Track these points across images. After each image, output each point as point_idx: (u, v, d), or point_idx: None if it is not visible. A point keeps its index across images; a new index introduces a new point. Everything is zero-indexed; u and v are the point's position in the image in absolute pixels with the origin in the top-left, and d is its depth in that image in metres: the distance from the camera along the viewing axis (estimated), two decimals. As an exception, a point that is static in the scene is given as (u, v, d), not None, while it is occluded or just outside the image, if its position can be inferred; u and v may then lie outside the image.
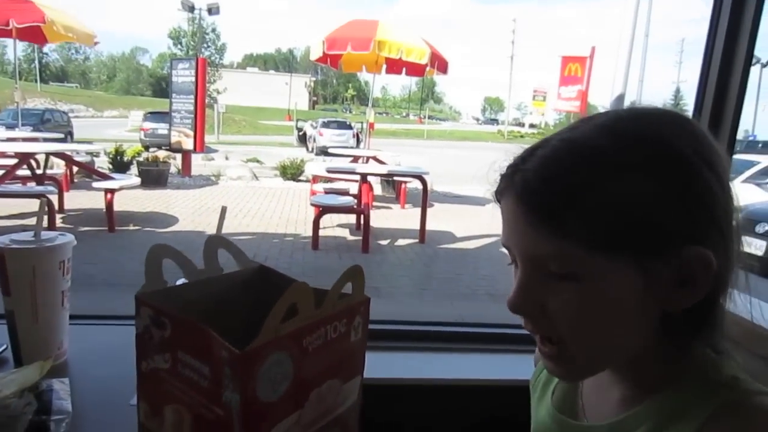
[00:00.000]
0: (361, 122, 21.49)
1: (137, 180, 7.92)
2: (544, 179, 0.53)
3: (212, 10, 22.43)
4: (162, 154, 10.65)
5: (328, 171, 7.63)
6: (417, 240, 6.69)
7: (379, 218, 7.79)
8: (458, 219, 8.27)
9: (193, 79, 10.80)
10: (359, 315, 0.57)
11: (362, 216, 6.41)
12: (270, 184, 11.35)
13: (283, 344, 0.48)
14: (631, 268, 0.52)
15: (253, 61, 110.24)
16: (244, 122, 38.28)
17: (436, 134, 48.23)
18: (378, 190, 10.06)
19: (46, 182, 6.93)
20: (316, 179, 8.79)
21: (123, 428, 0.66)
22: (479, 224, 7.63)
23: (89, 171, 8.16)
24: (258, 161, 14.31)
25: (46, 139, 9.54)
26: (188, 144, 11.05)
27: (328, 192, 7.64)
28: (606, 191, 0.51)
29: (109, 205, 6.30)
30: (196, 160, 12.13)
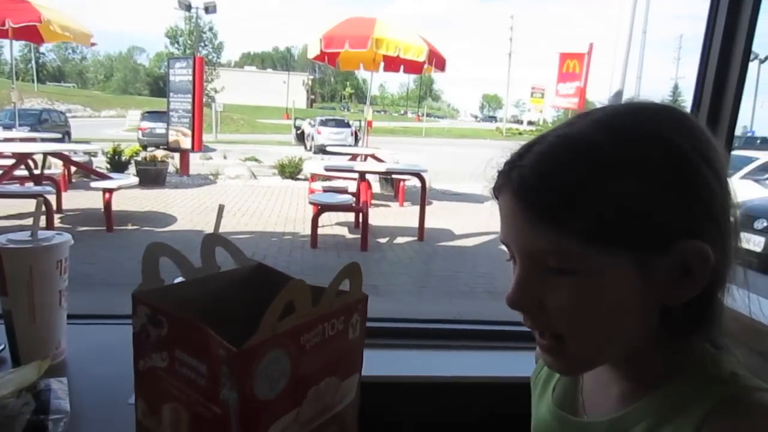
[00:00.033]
0: (359, 120, 21.48)
1: (135, 179, 7.91)
2: (540, 175, 0.53)
3: (209, 9, 22.36)
4: (160, 153, 10.64)
5: (327, 169, 7.62)
6: (416, 238, 6.70)
7: (378, 216, 7.79)
8: (457, 216, 8.27)
9: (191, 78, 10.79)
10: (357, 312, 0.57)
11: (361, 214, 6.41)
12: (268, 182, 11.34)
13: (280, 342, 0.48)
14: (628, 262, 0.52)
15: (250, 59, 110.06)
16: (242, 121, 38.24)
17: (434, 132, 48.22)
18: (376, 188, 10.06)
19: (44, 182, 6.91)
20: (314, 177, 8.79)
21: (121, 427, 0.66)
22: (478, 222, 7.63)
23: (87, 171, 8.15)
24: (256, 160, 14.30)
25: (43, 139, 9.52)
26: (186, 143, 11.04)
27: (326, 190, 7.63)
28: (603, 186, 0.51)
29: (107, 204, 6.30)
30: (194, 159, 12.12)
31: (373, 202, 8.51)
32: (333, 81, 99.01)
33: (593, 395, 0.67)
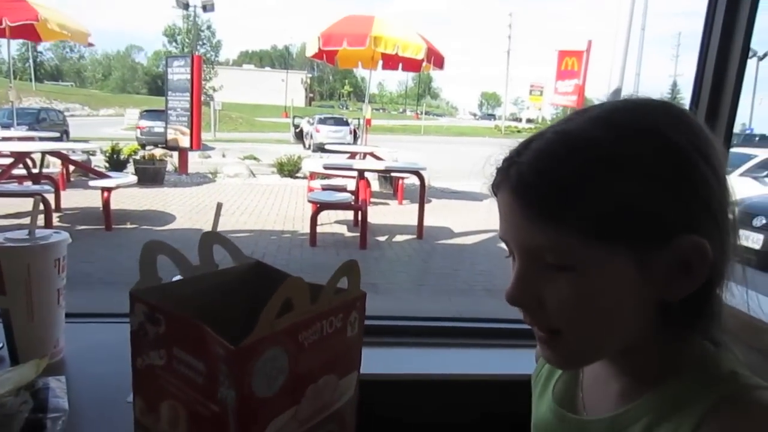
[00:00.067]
0: (358, 118, 21.47)
1: (134, 178, 7.89)
2: (538, 172, 0.53)
3: (207, 8, 22.35)
4: (158, 152, 10.62)
5: (325, 167, 7.64)
6: (415, 236, 6.70)
7: (377, 214, 7.79)
8: (456, 214, 8.28)
9: (189, 76, 10.78)
10: (355, 310, 0.57)
11: (360, 212, 6.41)
12: (267, 181, 11.34)
13: (278, 340, 0.48)
14: (627, 257, 0.52)
15: (248, 58, 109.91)
16: (240, 119, 38.18)
17: (433, 130, 48.21)
18: (375, 186, 10.05)
19: (42, 181, 6.90)
20: (313, 176, 8.79)
21: (119, 425, 0.66)
22: (477, 220, 7.63)
23: (86, 170, 8.14)
24: (255, 158, 14.29)
25: (41, 138, 9.52)
26: (185, 142, 11.03)
27: (325, 188, 7.63)
28: (601, 183, 0.51)
29: (106, 203, 6.29)
30: (193, 157, 12.11)
31: (372, 200, 8.52)
32: (331, 79, 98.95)
33: (593, 393, 0.67)
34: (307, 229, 6.26)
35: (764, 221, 5.92)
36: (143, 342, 0.52)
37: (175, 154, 11.32)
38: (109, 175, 7.44)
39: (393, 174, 9.38)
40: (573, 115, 0.58)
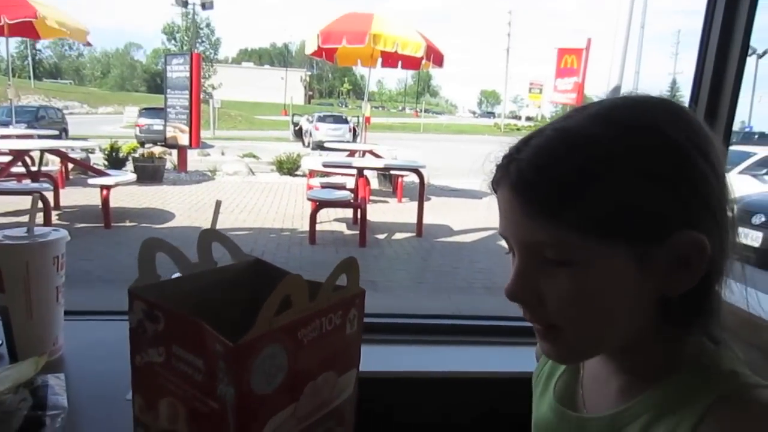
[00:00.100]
0: (357, 116, 21.42)
1: (133, 176, 7.88)
2: (538, 168, 0.53)
3: (206, 5, 22.33)
4: (157, 150, 10.62)
5: (325, 165, 7.62)
6: (414, 234, 6.70)
7: (376, 212, 7.79)
8: (455, 212, 8.28)
9: (188, 74, 10.76)
10: (354, 307, 0.57)
11: (359, 210, 6.41)
12: (266, 179, 11.33)
13: (277, 337, 0.48)
14: (626, 253, 0.52)
15: (248, 55, 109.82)
16: (239, 117, 38.14)
17: (432, 128, 48.18)
18: (375, 184, 10.05)
19: (41, 179, 6.89)
20: (312, 174, 8.78)
21: (119, 423, 0.66)
22: (476, 217, 7.63)
23: (84, 167, 8.13)
24: (254, 156, 14.28)
25: (40, 136, 9.51)
26: (184, 140, 11.02)
27: (324, 186, 7.63)
28: (600, 179, 0.51)
29: (105, 201, 6.29)
30: (192, 155, 12.11)
31: (372, 198, 8.53)
32: (331, 77, 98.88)
33: (593, 390, 0.67)
34: (306, 227, 6.26)
35: (763, 219, 5.92)
36: (142, 339, 0.52)
37: (174, 152, 11.31)
38: (108, 173, 7.43)
39: (392, 172, 9.38)
40: (572, 112, 0.58)
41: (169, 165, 10.86)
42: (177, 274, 0.62)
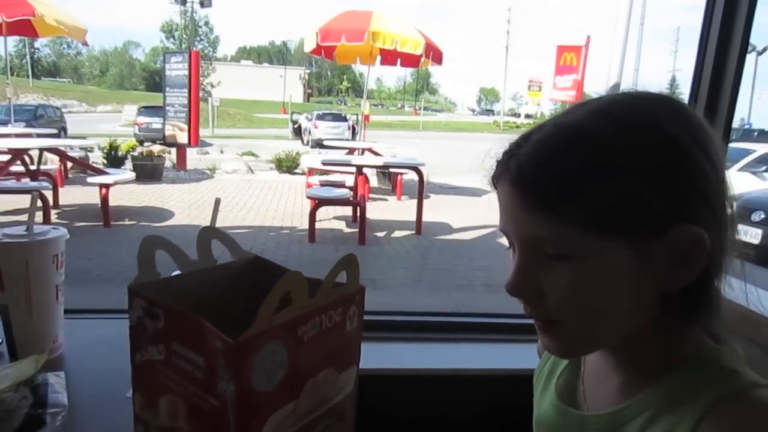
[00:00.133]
0: (356, 114, 21.42)
1: (132, 175, 7.88)
2: (538, 163, 0.53)
3: (204, 3, 22.30)
4: (156, 148, 10.62)
5: (324, 163, 7.62)
6: (413, 231, 6.71)
7: (376, 210, 7.79)
8: (454, 210, 8.28)
9: (187, 72, 10.75)
10: (354, 304, 0.57)
11: (358, 208, 6.40)
12: (265, 177, 11.32)
13: (277, 334, 0.48)
14: (626, 247, 0.53)
15: (246, 53, 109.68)
16: (238, 115, 38.09)
17: (431, 125, 48.13)
18: (374, 182, 10.05)
19: (40, 178, 6.89)
20: (311, 172, 8.77)
21: (119, 420, 0.66)
22: (475, 215, 7.64)
23: (83, 166, 8.13)
24: (253, 154, 14.27)
25: (39, 135, 9.50)
26: (183, 138, 11.01)
27: (323, 184, 7.62)
28: (600, 174, 0.52)
29: (104, 200, 6.28)
30: (191, 154, 12.10)
31: (371, 196, 8.52)
32: (330, 75, 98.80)
33: (594, 387, 0.67)
34: (305, 225, 6.26)
35: (763, 216, 5.92)
36: (142, 337, 0.52)
37: (173, 150, 11.30)
38: (107, 171, 7.43)
39: (391, 170, 9.37)
40: (572, 108, 0.58)
41: (168, 163, 10.86)
42: (177, 272, 0.62)
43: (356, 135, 18.84)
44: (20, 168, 6.87)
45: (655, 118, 0.54)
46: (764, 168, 8.77)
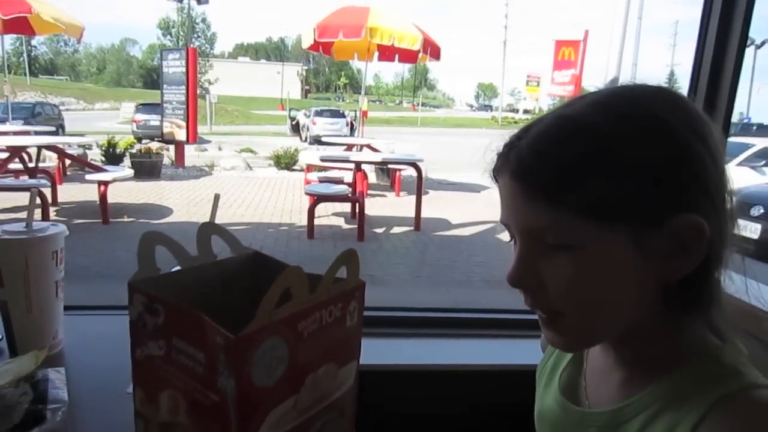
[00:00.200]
0: (355, 110, 21.39)
1: (130, 172, 7.86)
2: (538, 154, 0.54)
3: (201, 0, 22.19)
4: (155, 145, 10.61)
5: (322, 160, 7.61)
6: (412, 228, 6.71)
7: (374, 206, 7.79)
8: (453, 206, 8.28)
9: (184, 69, 10.73)
10: (354, 300, 0.57)
11: (357, 204, 6.40)
12: (264, 173, 11.31)
13: (277, 329, 0.48)
14: (625, 236, 0.53)
15: (244, 50, 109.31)
16: (236, 112, 38.03)
17: (429, 121, 48.07)
18: (372, 178, 10.04)
19: (39, 175, 6.88)
20: (310, 168, 8.76)
21: (119, 416, 0.66)
22: (474, 211, 7.64)
23: (82, 163, 8.12)
24: (251, 151, 14.26)
25: (37, 133, 9.47)
26: (181, 135, 11.00)
27: (322, 181, 7.62)
28: (599, 164, 0.52)
29: (103, 197, 6.28)
30: (189, 151, 12.08)
31: (369, 192, 8.51)
32: (327, 71, 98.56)
33: (596, 383, 0.67)
34: (304, 222, 6.25)
35: (762, 211, 5.92)
36: (142, 333, 0.52)
37: (172, 147, 11.28)
38: (106, 168, 7.42)
39: (390, 166, 9.37)
40: (573, 100, 0.59)
41: (166, 160, 10.84)
42: (176, 268, 0.62)
43: (354, 131, 18.85)
44: (19, 166, 6.87)
45: (654, 110, 0.54)
46: (763, 162, 8.76)
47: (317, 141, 17.35)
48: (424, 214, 6.77)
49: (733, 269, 0.58)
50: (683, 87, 1.41)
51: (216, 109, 29.80)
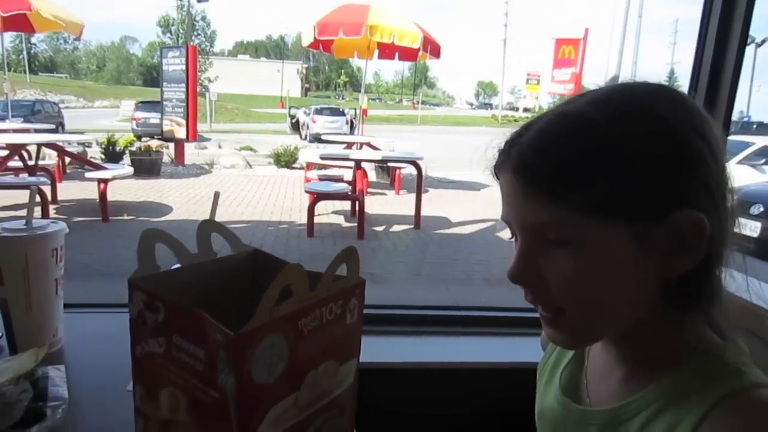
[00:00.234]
0: (354, 108, 21.35)
1: (130, 170, 7.87)
2: (539, 151, 0.54)
3: (201, -2, 22.14)
4: (154, 143, 10.59)
5: (322, 158, 7.61)
6: (412, 226, 6.71)
7: (374, 204, 7.79)
8: (453, 204, 8.29)
9: (184, 67, 10.71)
10: (354, 297, 0.57)
11: (357, 202, 6.40)
12: (264, 171, 11.31)
13: (277, 326, 0.48)
14: (626, 232, 0.53)
15: (244, 48, 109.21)
16: (236, 110, 37.97)
17: (429, 120, 48.01)
18: (372, 176, 10.05)
19: (38, 173, 6.88)
20: (310, 166, 8.76)
21: (119, 414, 0.66)
22: (474, 209, 7.65)
23: (81, 161, 8.10)
24: (251, 149, 14.26)
25: (37, 130, 9.46)
26: (180, 133, 10.99)
27: (322, 179, 7.62)
28: (600, 160, 0.52)
29: (103, 195, 6.28)
30: (189, 149, 12.07)
31: (369, 190, 8.51)
32: (327, 69, 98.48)
33: (597, 381, 0.67)
34: (304, 220, 6.25)
35: (762, 209, 5.92)
36: (142, 330, 0.52)
37: (171, 145, 11.27)
38: (106, 166, 7.42)
39: (390, 164, 9.37)
40: (574, 97, 0.59)
41: (166, 158, 10.83)
42: (176, 265, 0.62)
43: (354, 129, 18.83)
44: (18, 163, 6.86)
45: (654, 107, 0.54)
46: (763, 161, 8.76)
47: (317, 139, 17.34)
48: (424, 212, 6.77)
49: (734, 267, 0.58)
50: (683, 85, 1.41)
51: (216, 107, 29.76)
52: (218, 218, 0.66)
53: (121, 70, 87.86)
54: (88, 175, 6.70)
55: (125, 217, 6.63)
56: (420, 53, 8.47)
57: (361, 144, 9.40)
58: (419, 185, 6.72)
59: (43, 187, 5.75)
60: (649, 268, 0.54)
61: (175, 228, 0.62)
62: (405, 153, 9.19)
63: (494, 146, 0.60)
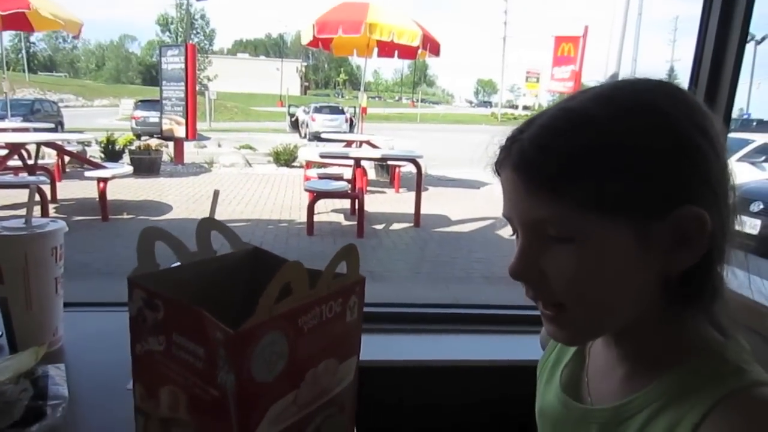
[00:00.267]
0: (354, 107, 21.36)
1: (129, 168, 7.86)
2: (540, 147, 0.54)
3: (200, -4, 22.09)
4: (154, 142, 10.57)
5: (322, 156, 7.60)
6: (412, 224, 6.71)
7: (374, 203, 7.79)
8: (453, 202, 8.28)
9: (183, 66, 10.70)
10: (354, 295, 0.57)
11: (356, 201, 6.40)
12: (263, 170, 11.31)
13: (277, 324, 0.48)
14: (627, 229, 0.53)
15: (243, 46, 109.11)
16: (235, 109, 37.95)
17: (429, 118, 47.95)
18: (372, 174, 10.04)
19: (38, 172, 6.87)
20: (309, 165, 8.76)
21: (119, 412, 0.66)
22: (474, 207, 7.65)
23: (81, 160, 8.09)
24: (251, 148, 14.25)
25: (36, 129, 9.45)
26: (180, 132, 10.98)
27: (321, 177, 7.62)
28: (601, 156, 0.52)
29: (102, 194, 6.27)
30: (189, 147, 12.06)
31: (369, 188, 8.51)
32: (327, 67, 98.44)
33: (598, 379, 0.67)
34: (303, 218, 6.26)
35: (762, 206, 5.92)
36: (142, 328, 0.52)
37: (171, 144, 11.26)
38: (105, 165, 7.41)
39: (389, 162, 9.36)
40: (576, 94, 0.59)
41: (165, 157, 10.83)
42: (176, 263, 0.62)
43: (354, 127, 18.80)
44: (18, 163, 6.85)
45: (655, 103, 0.54)
46: (763, 158, 8.74)
47: (316, 137, 17.33)
48: (423, 210, 6.77)
49: (735, 265, 0.58)
50: (683, 82, 1.41)
51: (215, 106, 29.74)
52: (218, 217, 0.66)
53: (121, 68, 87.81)
54: (87, 174, 6.69)
55: (125, 216, 6.63)
56: (419, 51, 8.47)
57: (361, 142, 9.40)
58: (419, 183, 6.72)
59: (42, 186, 5.75)
60: (651, 264, 0.54)
61: (174, 226, 0.62)
62: (404, 151, 9.18)
63: (495, 143, 0.59)
